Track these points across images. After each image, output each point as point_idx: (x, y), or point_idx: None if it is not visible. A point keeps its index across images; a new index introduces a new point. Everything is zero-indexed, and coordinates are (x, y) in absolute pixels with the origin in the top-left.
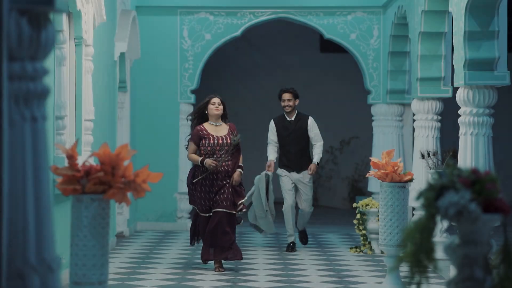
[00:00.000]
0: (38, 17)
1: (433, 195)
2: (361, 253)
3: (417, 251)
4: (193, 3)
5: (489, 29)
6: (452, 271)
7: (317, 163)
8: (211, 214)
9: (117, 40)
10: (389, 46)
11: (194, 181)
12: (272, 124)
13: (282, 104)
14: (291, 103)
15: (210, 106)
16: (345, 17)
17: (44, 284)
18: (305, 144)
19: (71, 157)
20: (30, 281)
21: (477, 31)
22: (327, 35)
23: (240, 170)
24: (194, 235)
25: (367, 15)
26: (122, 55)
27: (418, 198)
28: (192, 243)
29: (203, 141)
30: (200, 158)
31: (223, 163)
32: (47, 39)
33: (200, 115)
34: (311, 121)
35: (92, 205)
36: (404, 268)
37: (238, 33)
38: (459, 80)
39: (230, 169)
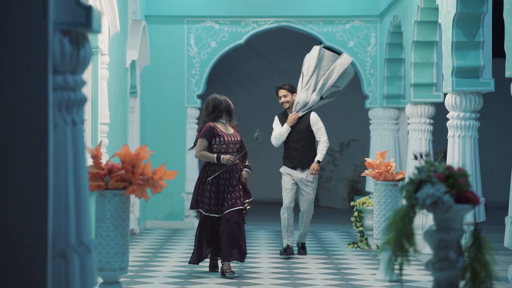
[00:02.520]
0: (77, 37)
1: (412, 188)
2: (358, 249)
3: (399, 236)
4: (200, 13)
5: (474, 39)
6: None
7: (319, 161)
8: (218, 215)
9: (128, 48)
10: (385, 53)
11: (209, 179)
12: (276, 118)
13: (280, 101)
14: (288, 99)
15: (229, 105)
16: (343, 26)
17: (82, 263)
18: (310, 140)
19: (96, 157)
20: (71, 260)
21: (464, 41)
22: (327, 42)
23: (247, 169)
24: (200, 252)
25: (364, 24)
26: (133, 62)
27: (400, 190)
28: (196, 261)
29: (217, 139)
30: (214, 155)
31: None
32: (85, 56)
33: (220, 112)
34: (313, 115)
35: (114, 200)
36: (396, 264)
37: (242, 41)
38: (447, 86)
39: (239, 168)
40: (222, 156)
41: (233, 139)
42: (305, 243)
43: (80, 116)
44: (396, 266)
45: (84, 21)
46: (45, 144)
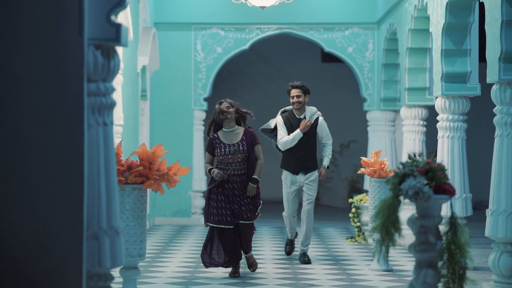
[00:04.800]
0: (108, 50)
1: (397, 181)
2: (356, 243)
3: (385, 222)
4: (206, 20)
5: (462, 47)
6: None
7: (328, 166)
8: (229, 227)
9: (139, 54)
10: (382, 58)
11: (208, 188)
12: (280, 119)
13: (291, 100)
14: (300, 99)
15: (220, 116)
16: (343, 32)
17: (112, 244)
18: (314, 144)
19: (116, 155)
20: (103, 242)
21: (452, 49)
22: (327, 48)
23: (251, 184)
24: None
25: (362, 31)
26: (143, 67)
27: (386, 183)
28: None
29: (217, 150)
30: (209, 167)
31: (238, 172)
32: (114, 66)
33: (215, 125)
34: (321, 120)
35: (133, 193)
36: (390, 255)
37: (246, 46)
38: (437, 90)
39: (245, 178)
40: (213, 169)
41: (232, 148)
42: (307, 253)
43: (110, 118)
44: (383, 248)
45: (114, 37)
46: (80, 142)
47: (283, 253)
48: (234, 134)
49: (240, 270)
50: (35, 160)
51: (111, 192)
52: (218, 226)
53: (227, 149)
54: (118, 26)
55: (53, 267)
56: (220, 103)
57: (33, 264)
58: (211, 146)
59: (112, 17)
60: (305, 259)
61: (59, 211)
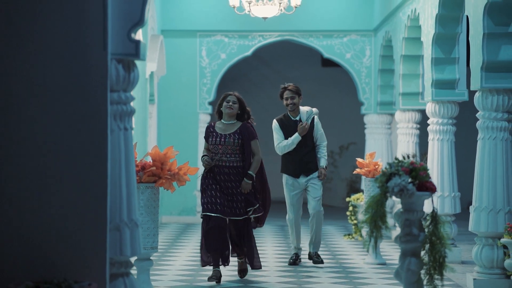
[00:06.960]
0: (128, 63)
1: (384, 179)
2: (353, 239)
3: (374, 216)
4: (211, 27)
5: (451, 56)
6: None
7: (326, 166)
8: (219, 215)
9: (148, 60)
10: (379, 64)
11: (200, 175)
12: (275, 123)
13: (285, 102)
14: (294, 101)
15: (224, 104)
16: (341, 39)
17: (132, 235)
18: (312, 145)
19: None
20: (124, 233)
21: (442, 58)
22: (326, 54)
23: (246, 180)
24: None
25: (360, 38)
26: (151, 73)
27: (375, 181)
28: (203, 264)
29: (210, 139)
30: (202, 156)
31: (230, 164)
32: (134, 78)
33: (219, 114)
34: (316, 120)
35: (146, 191)
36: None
37: (249, 53)
38: (428, 96)
39: (240, 172)
40: (204, 156)
41: (223, 139)
42: (318, 252)
43: (129, 124)
44: (372, 240)
45: (134, 52)
46: (104, 145)
47: (283, 251)
48: (230, 126)
49: (221, 276)
50: (64, 161)
51: (130, 189)
52: (206, 213)
53: (217, 139)
54: (137, 43)
55: (81, 255)
56: (228, 95)
57: (63, 253)
58: (207, 134)
59: (132, 35)
60: (317, 260)
61: (86, 206)
